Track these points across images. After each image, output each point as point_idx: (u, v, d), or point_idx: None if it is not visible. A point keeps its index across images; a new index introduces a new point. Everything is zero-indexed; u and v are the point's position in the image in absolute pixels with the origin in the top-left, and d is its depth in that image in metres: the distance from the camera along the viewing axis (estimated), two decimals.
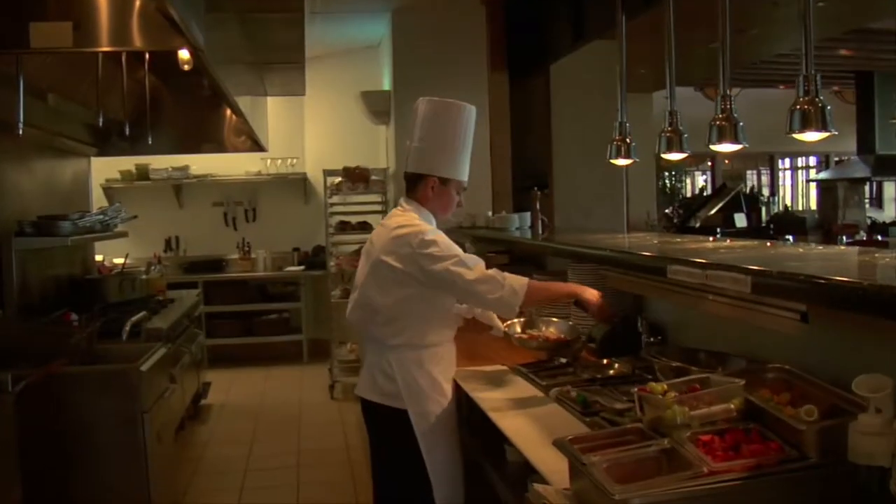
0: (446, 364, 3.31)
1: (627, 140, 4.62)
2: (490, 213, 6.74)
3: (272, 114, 9.02)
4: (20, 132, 4.02)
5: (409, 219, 3.24)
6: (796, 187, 17.28)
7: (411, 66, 7.77)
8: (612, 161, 4.71)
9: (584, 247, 3.87)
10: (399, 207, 3.36)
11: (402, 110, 7.79)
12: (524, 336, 3.52)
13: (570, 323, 3.69)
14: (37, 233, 4.98)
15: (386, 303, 3.17)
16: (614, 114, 8.32)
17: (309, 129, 9.76)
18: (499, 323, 3.57)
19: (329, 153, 9.40)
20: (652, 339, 3.57)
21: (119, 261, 8.60)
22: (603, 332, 3.72)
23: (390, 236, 3.19)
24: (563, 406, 2.85)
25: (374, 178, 7.80)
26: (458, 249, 3.15)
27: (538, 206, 6.04)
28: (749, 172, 16.93)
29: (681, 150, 4.39)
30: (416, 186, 3.32)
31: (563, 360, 3.45)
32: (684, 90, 13.98)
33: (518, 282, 3.09)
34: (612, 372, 3.28)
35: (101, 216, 5.77)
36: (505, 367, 3.53)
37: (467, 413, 3.41)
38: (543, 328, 3.59)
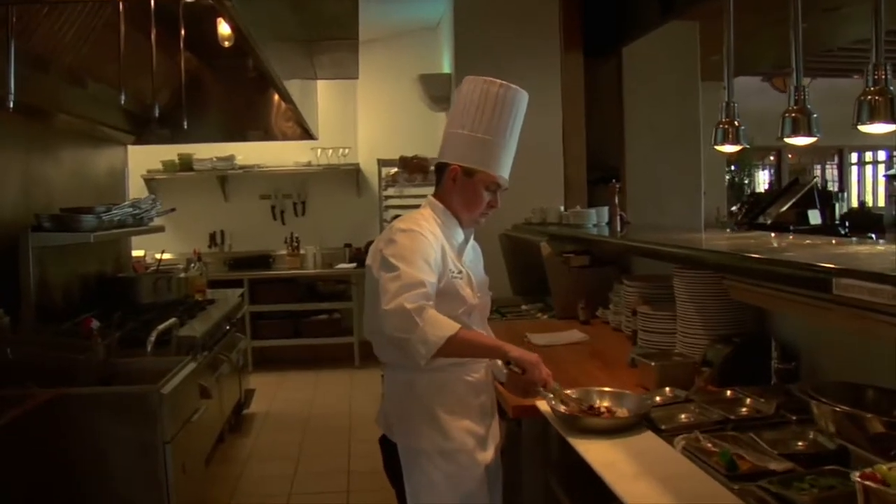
0: (451, 396, 2.72)
1: (736, 123, 3.91)
2: (562, 208, 6.08)
3: (323, 100, 8.41)
4: (10, 106, 3.41)
5: (412, 216, 2.79)
6: (863, 183, 16.40)
7: (473, 48, 7.08)
8: (718, 147, 4.00)
9: (698, 249, 3.16)
10: None
11: None
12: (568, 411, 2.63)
13: (643, 397, 2.75)
14: (56, 227, 4.42)
15: (373, 310, 2.63)
16: (688, 102, 7.75)
17: (362, 116, 9.11)
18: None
19: (384, 142, 8.77)
20: (782, 365, 2.88)
21: (161, 256, 8.14)
22: (722, 354, 3.02)
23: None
24: (694, 461, 2.17)
25: (432, 168, 7.13)
26: (417, 263, 2.52)
27: (617, 201, 5.41)
28: (815, 167, 16.15)
29: (736, 142, 3.89)
30: (440, 179, 2.85)
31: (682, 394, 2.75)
32: (751, 81, 13.27)
33: (438, 330, 2.41)
34: (744, 410, 2.59)
35: (132, 209, 5.18)
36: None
37: (558, 462, 2.75)
38: (600, 402, 2.72)
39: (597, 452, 2.29)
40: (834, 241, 3.59)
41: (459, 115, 2.79)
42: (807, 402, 2.33)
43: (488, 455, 2.77)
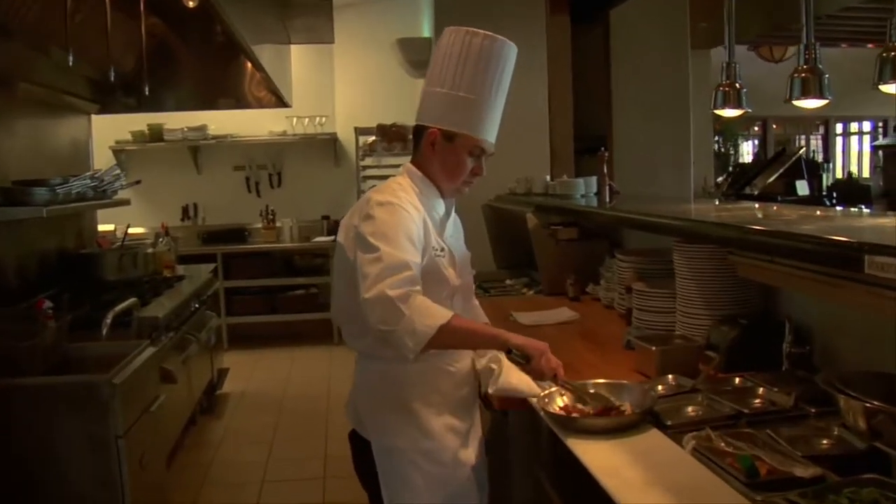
0: (430, 388, 2.45)
1: (737, 85, 3.64)
2: (549, 178, 5.80)
3: (298, 66, 8.07)
4: None
5: (388, 186, 2.46)
6: (848, 154, 16.26)
7: (454, 10, 6.75)
8: (717, 111, 3.74)
9: (702, 221, 2.88)
10: None
11: None
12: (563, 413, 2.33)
13: (645, 388, 2.42)
14: (5, 202, 4.10)
15: (343, 292, 2.42)
16: (677, 69, 7.47)
17: (339, 83, 8.76)
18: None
19: (361, 110, 8.44)
20: (795, 349, 2.61)
21: (132, 231, 7.81)
22: (728, 336, 2.75)
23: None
24: (708, 465, 1.90)
25: (411, 136, 6.84)
26: (399, 242, 2.22)
27: (605, 171, 5.14)
28: (799, 138, 16.00)
29: (738, 107, 3.64)
30: (418, 144, 2.51)
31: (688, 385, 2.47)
32: (737, 50, 13.00)
33: (427, 319, 2.12)
34: (757, 402, 2.32)
35: (91, 181, 4.86)
36: None
37: (550, 459, 2.48)
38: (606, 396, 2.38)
39: (597, 456, 2.02)
40: (847, 213, 3.34)
41: (438, 70, 2.45)
42: (832, 395, 2.09)
43: (472, 452, 2.51)
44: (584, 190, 5.22)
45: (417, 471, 2.41)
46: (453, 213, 2.61)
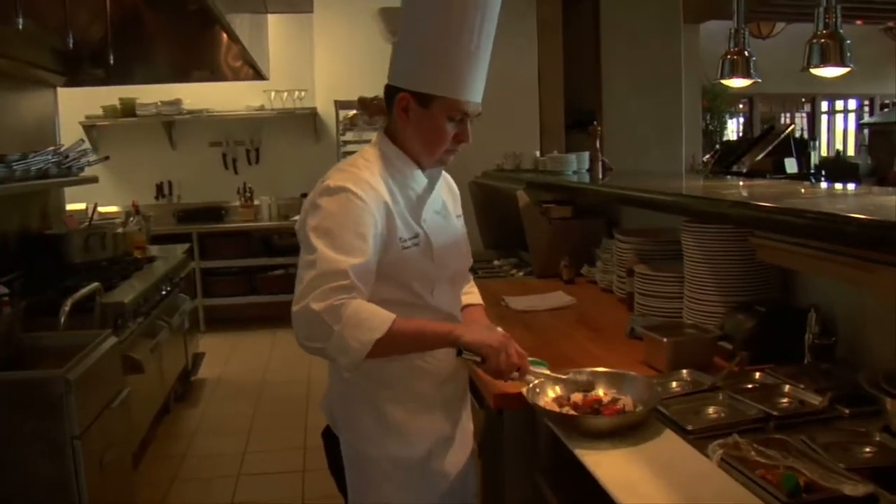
0: (402, 388, 2.15)
1: (746, 53, 3.38)
2: (538, 154, 5.55)
3: (275, 37, 7.74)
4: None
5: (351, 162, 2.13)
6: (833, 131, 16.13)
7: None
8: (724, 82, 3.49)
9: (719, 199, 2.62)
10: None
11: None
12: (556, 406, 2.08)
13: (652, 382, 2.15)
14: None
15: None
16: (669, 43, 7.21)
17: (319, 55, 8.40)
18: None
19: (342, 83, 8.08)
20: (820, 341, 2.37)
21: (105, 210, 7.50)
22: (745, 326, 2.50)
23: None
24: (739, 479, 1.65)
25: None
26: (343, 239, 1.91)
27: (598, 146, 4.90)
28: (783, 115, 15.85)
29: (747, 76, 3.37)
30: (390, 110, 2.11)
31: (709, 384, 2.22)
32: (723, 25, 12.81)
33: (361, 334, 1.83)
34: (785, 401, 2.07)
35: (53, 157, 4.56)
36: None
37: (549, 463, 2.23)
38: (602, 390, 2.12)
39: (611, 468, 1.76)
40: (869, 192, 3.09)
41: (410, 21, 2.06)
42: (872, 395, 1.85)
43: (457, 458, 2.23)
44: (577, 166, 4.98)
45: (388, 481, 2.13)
46: (442, 184, 2.26)
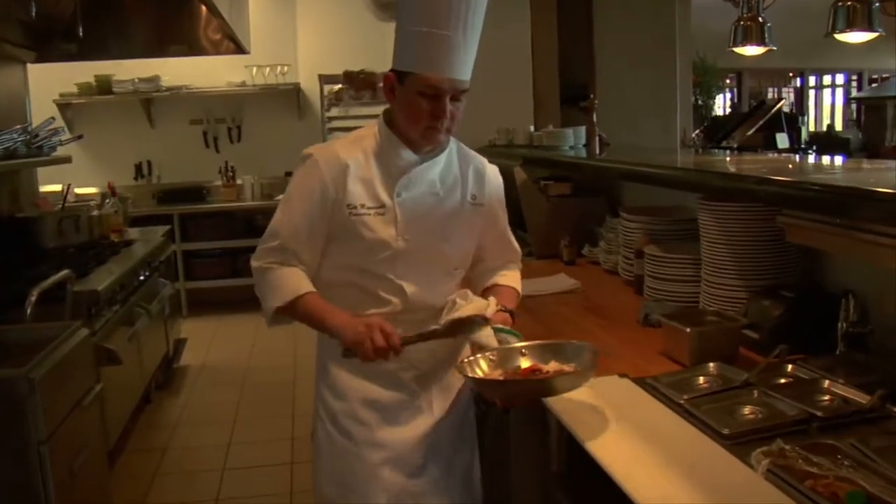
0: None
1: (760, 19, 3.15)
2: (532, 129, 5.32)
3: (256, 9, 7.45)
4: None
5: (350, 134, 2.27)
6: (820, 106, 16.00)
7: None
8: (737, 49, 3.28)
9: (743, 176, 2.40)
10: None
11: None
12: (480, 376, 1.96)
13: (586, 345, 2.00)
14: None
15: None
16: (664, 14, 6.98)
17: (302, 28, 8.10)
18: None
19: (326, 57, 7.79)
20: (856, 329, 2.16)
21: (82, 191, 7.25)
22: (773, 313, 2.30)
23: None
24: (790, 493, 1.44)
25: (381, 84, 6.31)
26: (291, 205, 2.14)
27: (595, 120, 4.69)
28: (775, 90, 15.70)
29: (761, 43, 3.15)
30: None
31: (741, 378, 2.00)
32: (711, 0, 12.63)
33: (268, 299, 2.11)
34: (826, 399, 1.87)
35: (20, 136, 4.30)
36: (626, 379, 2.09)
37: (562, 467, 2.02)
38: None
39: (641, 477, 1.55)
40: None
41: (399, 6, 2.10)
42: None
43: (397, 437, 2.20)
44: (574, 141, 4.76)
45: (326, 438, 2.24)
46: (451, 166, 2.21)
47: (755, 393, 1.90)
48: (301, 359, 5.98)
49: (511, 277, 2.36)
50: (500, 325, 2.04)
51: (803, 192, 2.03)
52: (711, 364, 2.09)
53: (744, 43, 3.22)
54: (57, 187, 6.05)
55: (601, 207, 3.97)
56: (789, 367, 2.07)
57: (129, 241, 5.26)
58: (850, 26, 2.41)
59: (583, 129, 4.73)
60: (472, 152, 2.32)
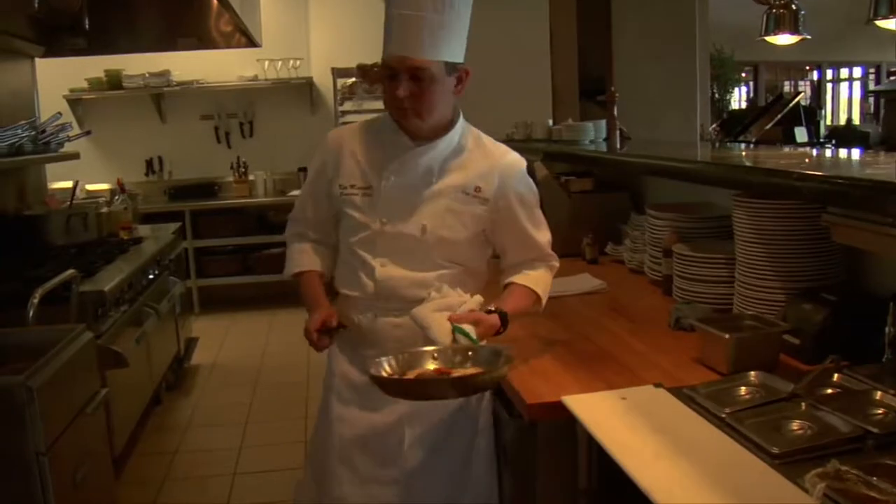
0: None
1: (793, 6, 3.00)
2: (551, 122, 5.18)
3: (268, 2, 7.32)
4: None
5: None
6: (837, 100, 15.80)
7: None
8: (768, 39, 3.12)
9: (788, 172, 2.24)
10: None
11: None
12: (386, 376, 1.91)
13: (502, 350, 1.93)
14: None
15: None
16: (682, 6, 6.82)
17: (315, 20, 7.97)
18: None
19: (339, 50, 7.65)
20: None
21: (94, 188, 7.16)
22: (816, 318, 2.15)
23: None
24: None
25: None
26: (308, 181, 2.37)
27: (615, 113, 4.58)
28: (791, 84, 15.52)
29: (795, 31, 3.00)
30: None
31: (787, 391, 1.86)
32: None
33: (286, 266, 2.39)
34: (880, 413, 1.72)
35: (24, 132, 4.19)
36: (661, 389, 1.95)
37: (593, 485, 1.88)
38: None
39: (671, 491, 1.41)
40: None
41: None
42: None
43: (369, 425, 2.27)
44: (594, 135, 4.61)
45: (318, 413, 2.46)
46: (447, 153, 2.19)
47: (803, 406, 1.76)
48: (314, 357, 5.82)
49: (531, 277, 2.25)
50: (461, 326, 1.97)
51: (852, 188, 1.88)
52: (752, 373, 1.95)
53: (776, 31, 3.07)
54: (68, 184, 5.94)
55: (625, 204, 3.83)
56: (836, 376, 1.93)
57: (139, 239, 5.15)
58: (894, 12, 2.22)
59: (603, 123, 4.60)
60: (498, 145, 2.28)
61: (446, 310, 2.03)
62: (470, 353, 1.93)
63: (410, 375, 1.89)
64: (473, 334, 1.96)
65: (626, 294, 3.04)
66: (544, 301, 2.26)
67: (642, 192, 3.91)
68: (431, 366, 1.92)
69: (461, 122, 2.22)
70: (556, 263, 2.29)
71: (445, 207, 2.16)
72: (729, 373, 2.03)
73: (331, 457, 2.29)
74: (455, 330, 1.96)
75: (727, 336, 2.05)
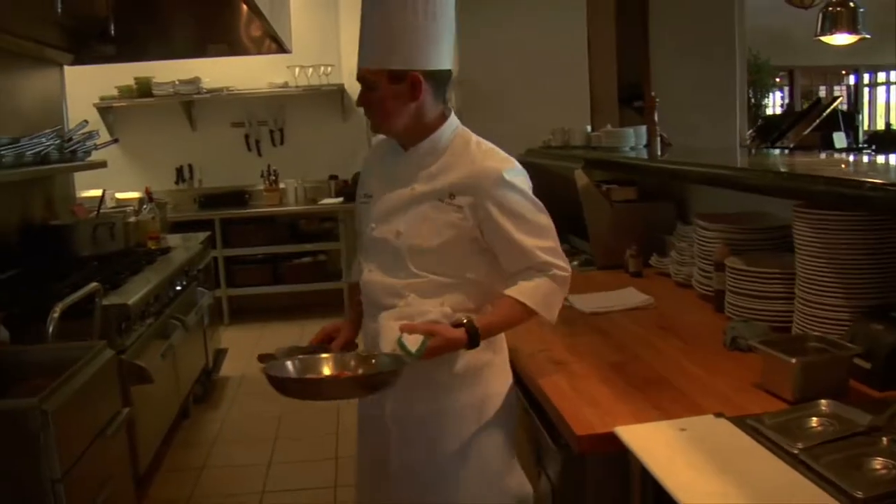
0: None
1: (852, 4, 2.82)
2: (589, 129, 5.02)
3: (298, 8, 7.20)
4: None
5: None
6: (874, 104, 15.52)
7: None
8: (825, 39, 2.94)
9: (857, 181, 2.07)
10: None
11: None
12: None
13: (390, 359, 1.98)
14: None
15: None
16: (720, 9, 6.64)
17: (346, 26, 7.82)
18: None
19: None
20: None
21: (123, 196, 7.08)
22: (888, 341, 1.97)
23: None
24: None
25: None
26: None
27: (656, 119, 4.40)
28: (828, 89, 15.27)
29: (853, 30, 2.82)
30: None
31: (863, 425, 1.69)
32: None
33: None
34: None
35: (49, 140, 4.09)
36: (723, 419, 1.78)
37: None
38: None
39: None
40: None
41: None
42: None
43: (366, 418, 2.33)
44: (635, 141, 4.45)
45: None
46: (429, 160, 2.14)
47: (884, 441, 1.59)
48: None
49: (521, 288, 2.09)
50: (402, 336, 1.95)
51: None
52: (823, 402, 1.78)
53: (832, 31, 2.89)
54: (97, 192, 5.86)
55: (669, 213, 3.66)
56: None
57: (167, 249, 5.04)
58: None
59: (643, 129, 4.43)
60: (485, 150, 2.13)
61: (405, 319, 2.03)
62: (373, 360, 2.00)
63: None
64: (416, 346, 1.92)
65: (674, 310, 2.88)
66: (544, 313, 2.09)
67: (687, 200, 3.74)
68: (326, 370, 2.01)
69: (448, 125, 2.15)
70: (561, 272, 2.10)
71: (422, 214, 2.10)
72: (794, 400, 1.87)
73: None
74: (399, 342, 1.94)
75: (793, 360, 1.88)
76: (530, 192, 2.11)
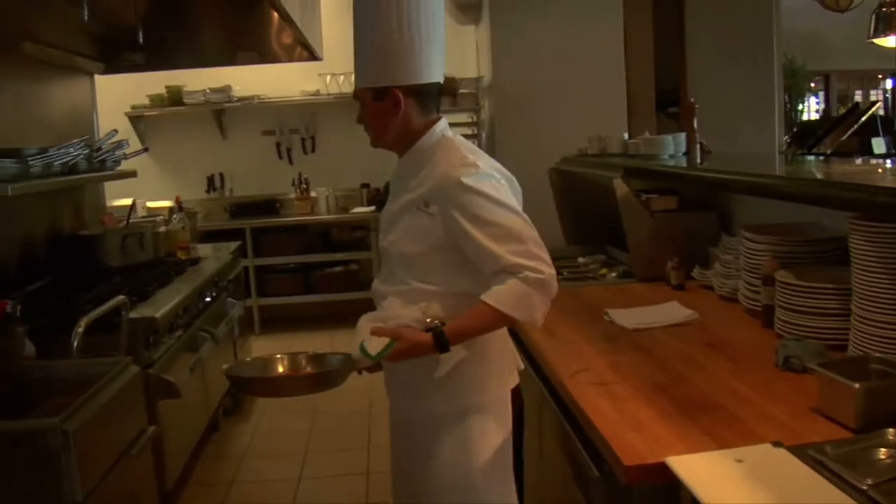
0: None
1: None
2: (626, 136, 4.90)
3: (329, 15, 7.13)
4: None
5: None
6: None
7: None
8: (878, 41, 2.81)
9: None
10: None
11: (499, 3, 5.88)
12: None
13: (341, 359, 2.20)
14: None
15: None
16: (761, 3, 6.49)
17: None
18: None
19: None
20: None
21: (155, 205, 7.06)
22: None
23: None
24: None
25: (462, 90, 5.97)
26: None
27: (695, 125, 4.31)
28: (865, 94, 15.05)
29: None
30: None
31: None
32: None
33: None
34: None
35: (77, 150, 4.03)
36: (782, 449, 1.65)
37: None
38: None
39: None
40: None
41: None
42: None
43: None
44: (674, 149, 4.33)
45: None
46: (413, 170, 2.22)
47: None
48: (377, 383, 5.62)
49: (493, 293, 2.05)
50: (364, 340, 2.03)
51: None
52: (891, 431, 1.65)
53: (886, 33, 2.76)
54: (128, 201, 5.82)
55: (712, 224, 3.54)
56: None
57: (196, 259, 4.98)
58: None
59: (682, 136, 4.31)
60: (451, 156, 2.15)
61: (379, 322, 2.11)
62: (324, 360, 2.21)
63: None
64: (378, 349, 1.99)
65: (720, 326, 2.75)
66: (519, 316, 2.03)
67: (730, 210, 3.61)
68: (280, 369, 2.19)
69: (431, 134, 2.20)
70: (534, 274, 2.01)
71: (406, 223, 2.18)
72: (857, 427, 1.74)
73: None
74: (361, 345, 2.02)
75: (856, 385, 1.75)
76: (501, 194, 2.09)
